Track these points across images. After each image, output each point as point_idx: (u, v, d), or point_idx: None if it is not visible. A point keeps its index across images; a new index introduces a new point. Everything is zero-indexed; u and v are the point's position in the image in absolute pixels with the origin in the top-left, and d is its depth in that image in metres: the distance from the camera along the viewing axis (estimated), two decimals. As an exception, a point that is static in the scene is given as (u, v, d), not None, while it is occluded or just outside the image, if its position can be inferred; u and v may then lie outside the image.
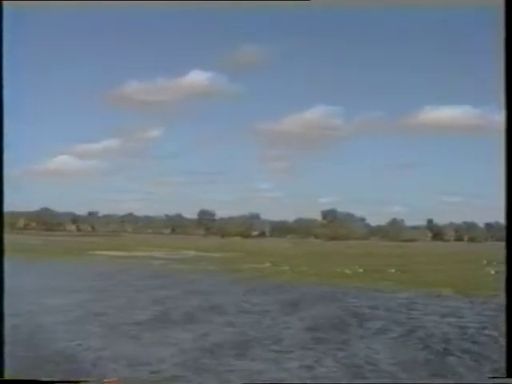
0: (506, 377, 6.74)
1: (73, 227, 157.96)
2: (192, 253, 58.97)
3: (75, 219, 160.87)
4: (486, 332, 16.59)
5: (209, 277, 32.94)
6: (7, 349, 13.42)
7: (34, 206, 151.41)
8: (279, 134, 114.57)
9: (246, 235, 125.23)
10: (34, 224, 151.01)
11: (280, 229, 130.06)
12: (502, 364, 12.34)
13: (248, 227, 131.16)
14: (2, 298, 5.92)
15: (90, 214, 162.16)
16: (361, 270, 36.39)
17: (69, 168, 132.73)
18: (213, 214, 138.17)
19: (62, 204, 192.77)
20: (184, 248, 67.35)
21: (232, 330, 16.74)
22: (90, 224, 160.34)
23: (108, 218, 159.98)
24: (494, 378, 9.90)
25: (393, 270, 36.37)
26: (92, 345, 14.48)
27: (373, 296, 25.11)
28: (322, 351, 13.91)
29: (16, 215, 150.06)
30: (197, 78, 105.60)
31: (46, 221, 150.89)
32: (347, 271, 35.93)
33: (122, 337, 15.67)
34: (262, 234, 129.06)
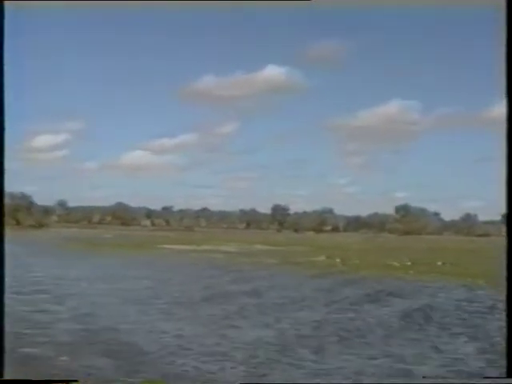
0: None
1: (147, 222, 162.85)
2: (258, 247, 62.29)
3: (149, 214, 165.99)
4: (484, 315, 19.56)
5: (264, 268, 36.29)
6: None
7: (109, 201, 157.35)
8: (355, 128, 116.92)
9: (319, 230, 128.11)
10: (109, 219, 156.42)
11: (354, 224, 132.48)
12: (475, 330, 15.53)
13: (321, 222, 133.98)
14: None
15: (165, 208, 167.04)
16: (409, 263, 39.19)
17: (144, 163, 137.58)
18: (286, 209, 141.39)
19: (136, 199, 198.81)
20: (252, 242, 70.64)
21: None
22: (164, 219, 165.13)
23: (183, 213, 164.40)
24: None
25: (440, 263, 39.01)
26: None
27: (400, 284, 28.19)
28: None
29: (92, 210, 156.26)
30: (273, 73, 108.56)
31: (121, 215, 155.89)
32: (396, 264, 38.79)
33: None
34: (336, 229, 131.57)
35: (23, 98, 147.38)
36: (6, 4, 6.48)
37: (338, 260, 41.63)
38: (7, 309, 18.12)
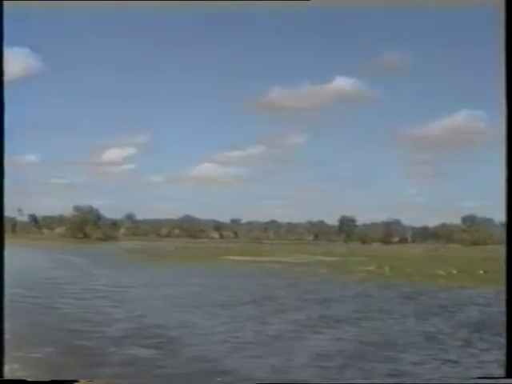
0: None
1: (216, 234, 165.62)
2: (318, 258, 64.63)
3: (218, 226, 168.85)
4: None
5: (314, 276, 39.12)
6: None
7: (177, 214, 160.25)
8: (423, 138, 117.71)
9: (386, 241, 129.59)
10: (177, 231, 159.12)
11: (422, 234, 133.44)
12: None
13: (389, 233, 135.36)
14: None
15: (233, 221, 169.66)
16: (454, 272, 41.47)
17: (212, 175, 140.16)
18: (353, 220, 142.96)
19: (205, 211, 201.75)
20: (314, 253, 72.98)
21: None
22: (232, 231, 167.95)
23: (251, 225, 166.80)
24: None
25: (481, 272, 41.11)
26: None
27: (433, 289, 30.83)
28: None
29: (160, 223, 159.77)
30: (341, 83, 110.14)
31: (189, 228, 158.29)
32: (442, 272, 41.10)
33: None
34: (404, 240, 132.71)
35: (91, 113, 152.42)
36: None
37: (387, 269, 44.06)
38: (70, 310, 21.43)
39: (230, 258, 62.70)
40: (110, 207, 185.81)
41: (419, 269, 44.98)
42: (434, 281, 35.92)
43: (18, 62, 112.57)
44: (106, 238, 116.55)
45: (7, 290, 22.40)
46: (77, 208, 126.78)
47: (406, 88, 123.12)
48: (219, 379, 13.06)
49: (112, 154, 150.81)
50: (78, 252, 69.15)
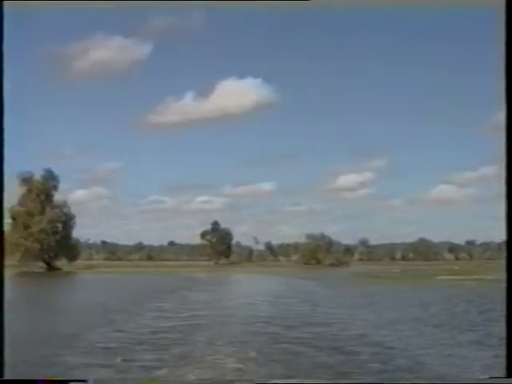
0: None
1: (450, 256, 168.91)
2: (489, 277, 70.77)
3: (452, 248, 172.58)
4: None
5: (490, 290, 48.12)
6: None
7: (412, 237, 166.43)
8: None
9: None
10: (411, 255, 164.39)
11: None
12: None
13: None
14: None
15: (468, 242, 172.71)
16: None
17: (448, 197, 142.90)
18: None
19: (440, 233, 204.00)
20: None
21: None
22: (467, 252, 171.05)
23: (485, 246, 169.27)
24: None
25: None
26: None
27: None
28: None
29: (394, 247, 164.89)
30: None
31: (423, 251, 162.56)
32: None
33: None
34: None
35: (326, 138, 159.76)
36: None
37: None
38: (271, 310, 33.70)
39: (440, 277, 71.27)
40: (345, 232, 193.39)
41: None
42: None
43: (251, 92, 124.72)
44: (338, 264, 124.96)
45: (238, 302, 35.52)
46: (309, 236, 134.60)
47: None
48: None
49: (348, 179, 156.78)
50: (307, 276, 79.14)
